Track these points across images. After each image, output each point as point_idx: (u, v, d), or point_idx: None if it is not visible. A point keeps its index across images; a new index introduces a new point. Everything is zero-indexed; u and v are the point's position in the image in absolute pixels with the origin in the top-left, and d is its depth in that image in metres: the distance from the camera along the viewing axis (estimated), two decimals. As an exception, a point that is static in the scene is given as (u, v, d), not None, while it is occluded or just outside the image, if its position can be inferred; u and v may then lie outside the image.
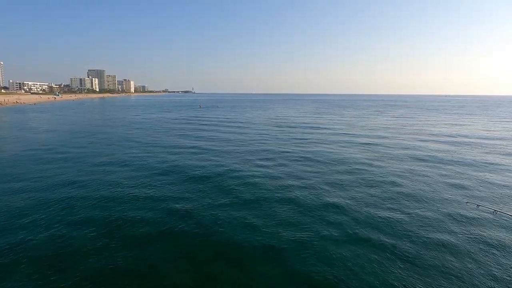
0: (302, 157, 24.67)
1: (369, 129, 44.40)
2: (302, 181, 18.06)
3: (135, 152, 25.96)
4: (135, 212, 13.17)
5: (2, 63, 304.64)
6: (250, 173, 19.42)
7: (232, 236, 11.22)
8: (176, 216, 12.90)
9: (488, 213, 13.34)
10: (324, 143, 31.39)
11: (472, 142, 32.70)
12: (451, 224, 12.51)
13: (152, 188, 16.38)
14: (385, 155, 25.67)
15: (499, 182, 18.34)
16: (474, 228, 12.18)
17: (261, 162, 22.64)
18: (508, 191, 16.74)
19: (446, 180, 18.54)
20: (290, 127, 47.00)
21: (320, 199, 15.00)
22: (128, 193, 15.53)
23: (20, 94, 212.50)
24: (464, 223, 12.63)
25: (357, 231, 11.81)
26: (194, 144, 29.79)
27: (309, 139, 34.40)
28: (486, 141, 33.44)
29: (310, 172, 20.19)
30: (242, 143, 31.06)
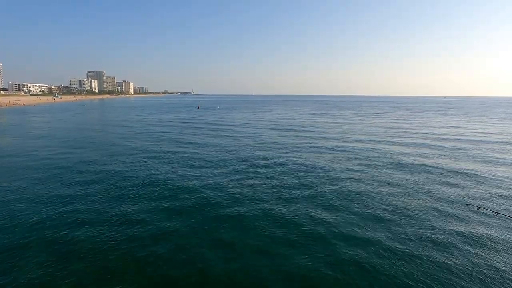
0: (295, 163, 24.17)
1: (365, 133, 44.17)
2: (292, 192, 17.33)
3: (121, 159, 24.48)
4: (97, 235, 11.42)
5: (1, 64, 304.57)
6: (235, 186, 17.44)
7: (210, 263, 9.73)
8: (143, 241, 11.00)
9: (488, 215, 13.14)
10: (318, 149, 30.97)
11: (470, 144, 32.48)
12: (452, 226, 12.28)
13: (125, 205, 14.34)
14: (379, 159, 25.37)
15: (498, 184, 18.05)
16: (475, 230, 11.97)
17: (255, 169, 22.15)
18: (507, 193, 16.45)
19: (445, 183, 18.24)
20: (285, 130, 46.41)
21: (308, 215, 14.18)
22: (95, 210, 13.64)
23: (19, 95, 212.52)
24: (465, 225, 12.41)
25: (353, 245, 11.36)
26: (183, 150, 28.19)
27: (303, 143, 34.05)
28: (484, 143, 33.24)
29: (301, 180, 19.61)
30: (233, 149, 29.63)
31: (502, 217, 12.72)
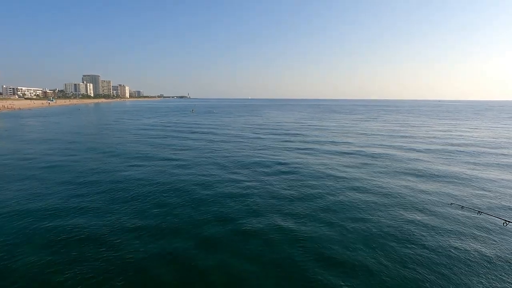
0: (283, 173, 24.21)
1: (354, 136, 44.49)
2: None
3: (108, 168, 24.39)
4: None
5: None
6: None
7: None
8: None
9: (473, 213, 13.47)
10: (306, 155, 31.20)
11: (456, 146, 33.03)
12: (436, 224, 12.64)
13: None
14: (365, 163, 25.60)
15: (483, 184, 18.49)
16: (459, 228, 12.35)
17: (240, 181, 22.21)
18: (492, 193, 16.87)
19: (430, 183, 18.67)
20: (279, 140, 46.35)
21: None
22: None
23: (13, 99, 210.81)
24: (449, 223, 12.78)
25: (340, 249, 11.63)
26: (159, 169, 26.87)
27: (289, 151, 34.10)
28: (471, 144, 33.81)
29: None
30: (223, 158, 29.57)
31: (485, 215, 13.06)
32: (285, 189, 17.15)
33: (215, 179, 19.12)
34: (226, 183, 18.20)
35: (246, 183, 18.34)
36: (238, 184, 18.03)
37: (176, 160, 24.82)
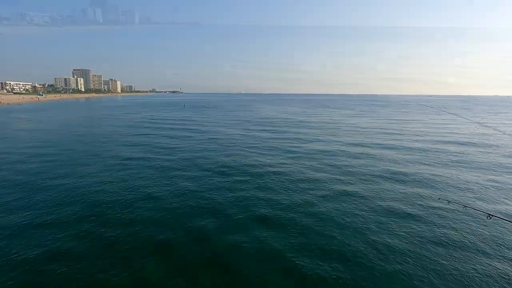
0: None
1: (340, 133, 44.58)
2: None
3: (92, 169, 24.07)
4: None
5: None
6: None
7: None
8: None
9: (458, 208, 13.77)
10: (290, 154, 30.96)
11: (444, 143, 33.38)
12: (424, 217, 12.98)
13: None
14: (352, 161, 25.69)
15: (468, 180, 18.84)
16: (445, 221, 12.72)
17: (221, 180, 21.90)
18: (477, 188, 17.24)
19: (417, 180, 18.98)
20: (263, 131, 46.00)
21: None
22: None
23: (1, 94, 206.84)
24: (436, 217, 13.16)
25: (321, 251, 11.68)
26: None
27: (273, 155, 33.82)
28: (460, 139, 34.20)
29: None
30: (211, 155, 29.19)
31: (470, 210, 13.33)
32: (269, 193, 16.34)
33: (195, 182, 18.06)
34: (204, 187, 17.12)
35: (227, 186, 17.42)
36: (218, 187, 17.11)
37: (156, 160, 23.61)
